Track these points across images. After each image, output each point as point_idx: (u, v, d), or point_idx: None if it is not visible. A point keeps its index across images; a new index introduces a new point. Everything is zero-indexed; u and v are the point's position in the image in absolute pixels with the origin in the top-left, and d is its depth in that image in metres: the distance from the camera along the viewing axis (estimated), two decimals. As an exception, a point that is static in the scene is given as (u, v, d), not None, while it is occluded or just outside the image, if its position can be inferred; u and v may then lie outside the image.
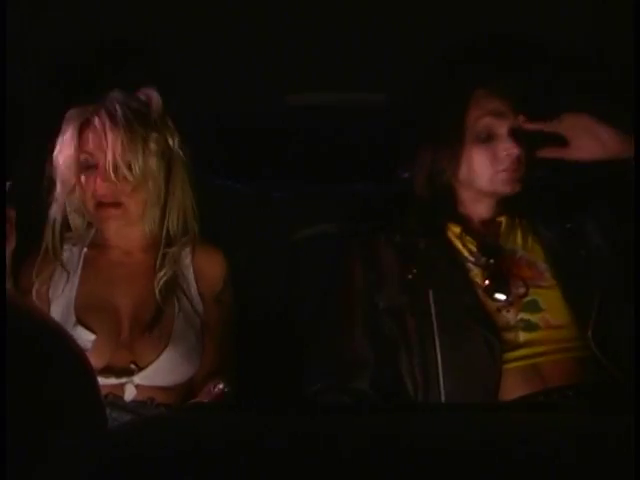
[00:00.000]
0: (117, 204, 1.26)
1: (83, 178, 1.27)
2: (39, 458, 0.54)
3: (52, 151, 1.29)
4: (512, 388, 1.15)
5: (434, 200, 1.32)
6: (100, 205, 1.27)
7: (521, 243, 1.29)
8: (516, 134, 1.25)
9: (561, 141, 1.25)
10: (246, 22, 1.28)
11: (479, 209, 1.33)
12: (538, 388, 1.15)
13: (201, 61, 1.42)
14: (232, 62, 1.44)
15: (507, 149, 1.24)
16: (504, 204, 1.32)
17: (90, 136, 1.26)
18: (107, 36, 1.33)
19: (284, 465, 0.48)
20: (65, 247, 1.32)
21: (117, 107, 1.26)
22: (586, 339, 1.17)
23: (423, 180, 1.33)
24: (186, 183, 1.35)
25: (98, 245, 1.36)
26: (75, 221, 1.33)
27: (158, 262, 1.31)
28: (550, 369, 1.17)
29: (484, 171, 1.26)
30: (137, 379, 1.23)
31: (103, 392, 1.15)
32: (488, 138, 1.26)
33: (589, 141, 1.22)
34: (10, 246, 1.16)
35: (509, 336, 1.20)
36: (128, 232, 1.33)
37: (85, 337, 1.21)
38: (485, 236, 1.29)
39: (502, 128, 1.25)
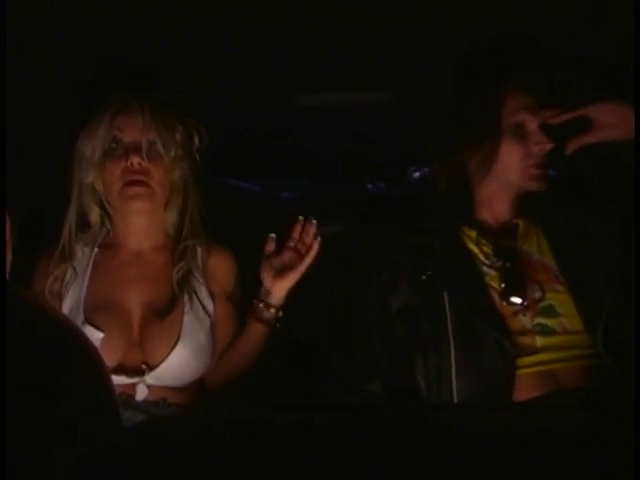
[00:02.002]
0: (145, 183, 1.26)
1: (112, 160, 1.27)
2: (49, 454, 0.53)
3: (73, 146, 1.30)
4: (527, 394, 1.15)
5: (452, 200, 1.32)
6: (128, 184, 1.26)
7: (536, 246, 1.29)
8: (546, 129, 1.25)
9: (586, 127, 1.25)
10: (253, 22, 1.28)
11: (496, 210, 1.32)
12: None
13: (209, 61, 1.41)
14: (240, 62, 1.43)
15: (540, 143, 1.24)
16: (520, 206, 1.32)
17: (126, 117, 1.27)
18: (111, 38, 1.33)
19: (294, 464, 0.47)
20: (77, 248, 1.32)
21: (152, 95, 1.29)
22: (596, 342, 1.17)
23: (443, 178, 1.32)
24: (198, 185, 1.36)
25: (109, 245, 1.36)
26: (93, 215, 1.33)
27: (177, 254, 1.32)
28: (566, 376, 1.16)
29: (516, 165, 1.26)
30: (149, 379, 1.23)
31: (116, 391, 1.15)
32: (519, 133, 1.26)
33: (615, 120, 1.22)
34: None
35: (525, 341, 1.19)
36: (146, 223, 1.33)
37: (93, 336, 1.20)
38: (501, 239, 1.29)
39: (533, 123, 1.26)
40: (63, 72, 1.39)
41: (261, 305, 1.31)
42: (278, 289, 1.30)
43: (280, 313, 1.31)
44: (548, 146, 1.24)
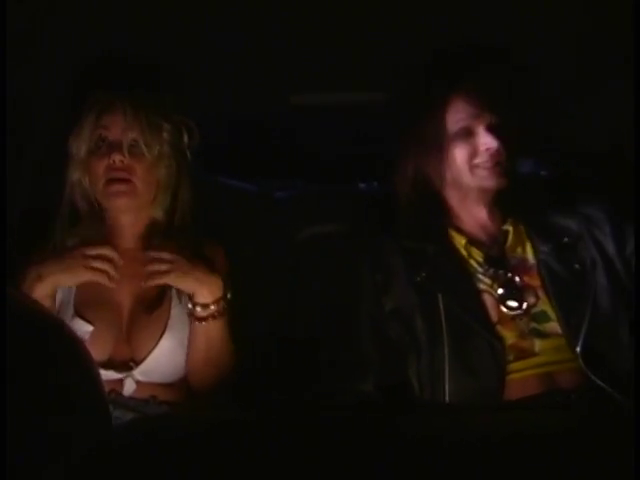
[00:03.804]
0: (127, 180, 1.28)
1: (96, 158, 1.29)
2: (43, 454, 0.54)
3: (65, 141, 1.32)
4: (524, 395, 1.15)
5: (422, 206, 1.34)
6: (110, 181, 1.28)
7: (532, 252, 1.29)
8: (493, 130, 1.27)
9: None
10: (249, 22, 1.28)
11: (478, 217, 1.33)
12: None
13: (204, 61, 1.42)
14: (235, 62, 1.43)
15: (485, 144, 1.26)
16: (503, 211, 1.33)
17: (110, 116, 1.30)
18: (108, 38, 1.33)
19: (286, 464, 0.47)
20: (68, 242, 1.33)
21: (137, 94, 1.31)
22: (576, 355, 1.16)
23: (407, 187, 1.36)
24: (190, 183, 1.38)
25: (99, 242, 1.34)
26: (83, 212, 1.34)
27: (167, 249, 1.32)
28: (563, 378, 1.16)
29: (465, 165, 1.28)
30: (137, 374, 1.24)
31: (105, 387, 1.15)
32: (467, 135, 1.28)
33: None
34: None
35: (524, 344, 1.19)
36: (132, 219, 1.35)
37: (83, 329, 1.21)
38: (491, 248, 1.30)
39: (480, 126, 1.28)
40: (63, 72, 1.39)
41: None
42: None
43: (212, 307, 1.27)
44: (494, 146, 1.25)
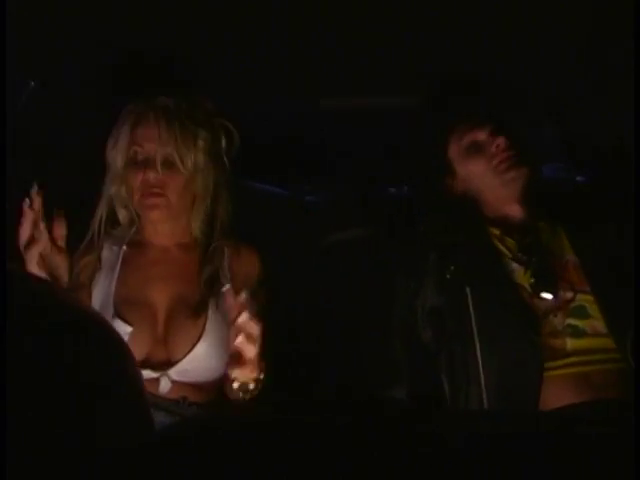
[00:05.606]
0: (161, 195, 1.29)
1: (132, 172, 1.30)
2: (80, 448, 0.53)
3: (103, 147, 1.33)
4: (559, 395, 1.12)
5: (455, 211, 1.38)
6: (145, 195, 1.29)
7: (569, 247, 1.29)
8: (497, 132, 1.34)
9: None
10: (280, 25, 1.28)
11: (513, 211, 1.34)
12: (587, 397, 1.12)
13: (234, 65, 1.42)
14: (265, 66, 1.44)
15: (495, 142, 1.33)
16: (538, 212, 1.34)
17: (144, 130, 1.30)
18: (135, 42, 1.34)
19: (310, 467, 0.47)
20: (106, 245, 1.35)
21: (170, 104, 1.31)
22: (625, 350, 1.14)
23: (441, 199, 1.42)
24: (228, 186, 1.38)
25: (137, 243, 1.38)
26: (121, 215, 1.37)
27: (206, 255, 1.34)
28: (601, 379, 1.14)
29: (488, 169, 1.34)
30: (172, 374, 1.24)
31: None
32: (477, 148, 1.37)
33: None
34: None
35: (556, 343, 1.17)
36: (170, 227, 1.36)
37: (122, 329, 1.22)
38: (525, 236, 1.31)
39: (483, 134, 1.36)
40: (85, 73, 1.40)
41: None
42: None
43: (251, 386, 1.18)
44: (503, 141, 1.32)
